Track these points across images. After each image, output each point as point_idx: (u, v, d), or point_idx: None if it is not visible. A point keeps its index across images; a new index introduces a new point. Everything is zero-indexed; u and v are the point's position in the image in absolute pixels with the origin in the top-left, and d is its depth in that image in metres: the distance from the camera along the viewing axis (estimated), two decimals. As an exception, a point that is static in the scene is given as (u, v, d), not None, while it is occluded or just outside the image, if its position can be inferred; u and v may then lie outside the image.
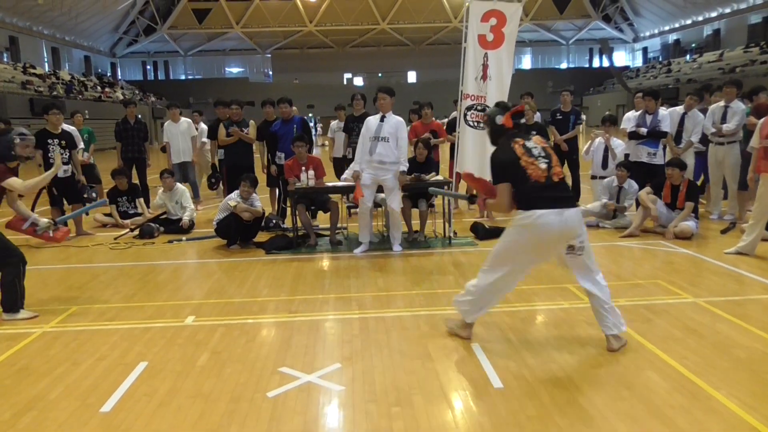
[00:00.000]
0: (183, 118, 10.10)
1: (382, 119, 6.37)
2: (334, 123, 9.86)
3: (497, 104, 3.88)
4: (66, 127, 8.06)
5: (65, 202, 7.92)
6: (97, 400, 3.24)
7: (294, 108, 8.39)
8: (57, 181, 7.49)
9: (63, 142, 7.64)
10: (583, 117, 10.06)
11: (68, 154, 7.68)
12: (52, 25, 41.25)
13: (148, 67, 55.53)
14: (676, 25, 47.99)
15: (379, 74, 51.80)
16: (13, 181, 4.71)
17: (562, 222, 3.48)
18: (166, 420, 3.02)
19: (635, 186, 7.37)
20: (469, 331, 3.98)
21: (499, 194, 3.63)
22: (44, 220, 5.12)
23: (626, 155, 7.93)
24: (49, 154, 7.44)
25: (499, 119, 3.73)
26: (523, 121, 3.86)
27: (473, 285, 3.86)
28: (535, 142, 3.67)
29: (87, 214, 5.11)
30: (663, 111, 7.90)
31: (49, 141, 7.53)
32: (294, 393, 3.29)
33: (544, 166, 3.56)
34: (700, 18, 44.37)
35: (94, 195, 9.21)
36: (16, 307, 4.62)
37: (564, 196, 3.59)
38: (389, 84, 6.71)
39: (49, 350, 3.98)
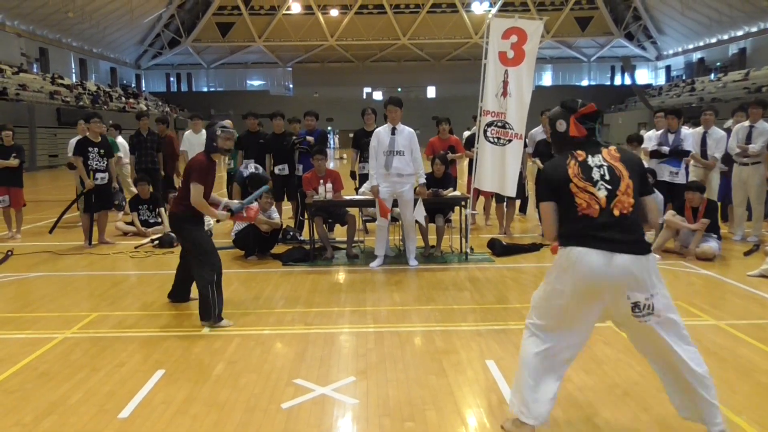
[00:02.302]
0: (204, 130, 10.27)
1: (393, 132, 6.41)
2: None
3: (563, 104, 2.97)
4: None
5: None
6: (115, 406, 3.29)
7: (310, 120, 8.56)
8: (93, 189, 7.72)
9: (101, 151, 7.87)
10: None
11: (106, 162, 7.90)
12: (81, 38, 42.25)
13: (172, 78, 56.48)
14: (701, 44, 47.49)
15: (399, 89, 52.07)
16: (196, 189, 4.64)
17: (606, 267, 2.66)
18: (182, 428, 3.05)
19: (660, 196, 7.27)
20: None
21: (542, 215, 2.92)
22: (235, 202, 5.19)
23: (652, 170, 7.85)
24: (88, 162, 7.65)
25: (561, 125, 2.91)
26: (597, 126, 2.90)
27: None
28: (604, 158, 2.80)
29: (259, 199, 5.40)
30: (685, 130, 7.84)
31: (90, 149, 7.77)
32: (308, 405, 3.31)
33: (603, 194, 2.72)
34: (726, 36, 43.88)
35: (122, 202, 9.47)
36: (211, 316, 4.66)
37: (621, 238, 2.68)
38: (408, 99, 6.74)
39: (70, 356, 4.05)
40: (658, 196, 7.24)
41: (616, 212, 2.71)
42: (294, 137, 8.20)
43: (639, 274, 2.67)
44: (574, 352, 2.92)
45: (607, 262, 2.67)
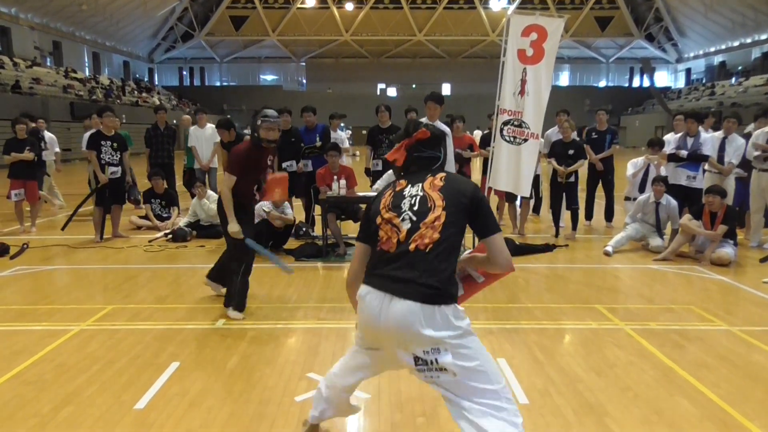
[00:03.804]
0: (209, 124, 10.32)
1: None
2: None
3: (405, 128, 2.54)
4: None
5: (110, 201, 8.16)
6: (131, 397, 3.33)
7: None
8: (108, 183, 7.77)
9: (115, 144, 7.89)
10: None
11: (119, 156, 7.94)
12: (94, 31, 42.57)
13: (185, 72, 56.78)
14: (723, 47, 46.85)
15: (413, 86, 51.99)
16: (228, 179, 4.60)
17: (381, 312, 2.22)
18: (197, 419, 3.09)
19: (673, 202, 7.23)
20: None
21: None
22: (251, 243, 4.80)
23: (664, 177, 7.81)
24: (101, 155, 7.70)
25: (390, 153, 2.50)
26: (434, 155, 2.48)
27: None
28: (423, 187, 2.34)
29: (272, 260, 5.04)
30: (705, 134, 7.78)
31: (102, 143, 7.79)
32: (321, 400, 3.33)
33: (406, 226, 2.27)
34: (749, 40, 43.22)
35: (138, 196, 9.51)
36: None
37: (407, 277, 2.20)
38: (422, 96, 6.70)
39: (87, 348, 4.11)
40: (671, 202, 7.20)
41: (412, 246, 2.23)
42: (303, 146, 8.16)
43: (418, 325, 2.16)
44: (358, 378, 2.65)
45: (382, 307, 2.22)
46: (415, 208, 2.29)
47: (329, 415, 2.81)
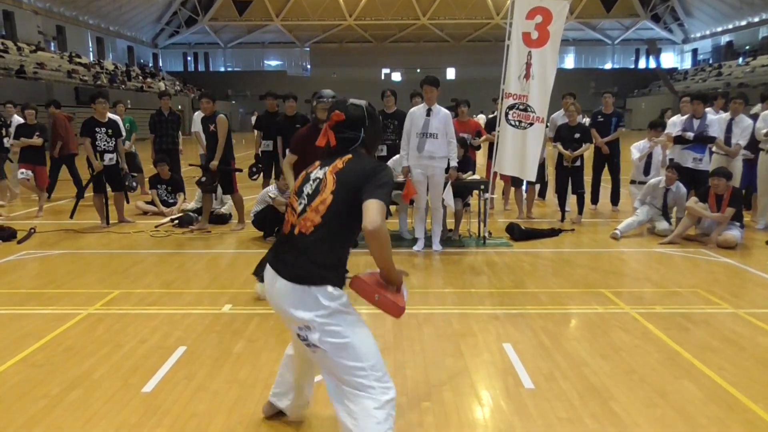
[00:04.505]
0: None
1: (428, 113, 6.31)
2: None
3: (331, 106, 2.54)
4: (111, 116, 8.30)
5: (109, 189, 8.16)
6: (138, 380, 3.37)
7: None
8: (104, 169, 7.74)
9: (109, 131, 7.81)
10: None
11: (114, 142, 7.88)
12: (98, 15, 42.40)
13: (189, 58, 56.61)
14: (730, 26, 46.23)
15: (418, 70, 51.66)
16: (289, 156, 5.11)
17: (270, 287, 2.40)
18: (203, 403, 3.12)
19: (683, 189, 7.19)
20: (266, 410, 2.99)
21: None
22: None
23: (670, 160, 7.76)
24: (96, 143, 7.67)
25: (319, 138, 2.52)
26: (352, 136, 2.45)
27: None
28: (329, 171, 2.36)
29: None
30: (711, 116, 7.71)
31: (97, 129, 7.73)
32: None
33: (299, 209, 2.36)
34: (756, 19, 42.60)
35: (135, 184, 9.45)
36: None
37: (287, 260, 2.33)
38: (427, 80, 6.62)
39: (94, 331, 4.14)
40: (681, 189, 7.15)
41: (297, 230, 2.33)
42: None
43: (290, 305, 2.30)
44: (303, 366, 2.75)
45: (271, 283, 2.38)
46: (311, 191, 2.36)
47: (284, 403, 2.88)
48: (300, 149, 5.18)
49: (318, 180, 2.36)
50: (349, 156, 2.39)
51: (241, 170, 7.83)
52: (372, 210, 2.19)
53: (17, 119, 10.11)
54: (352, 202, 2.26)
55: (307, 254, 2.29)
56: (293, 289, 2.29)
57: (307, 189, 2.38)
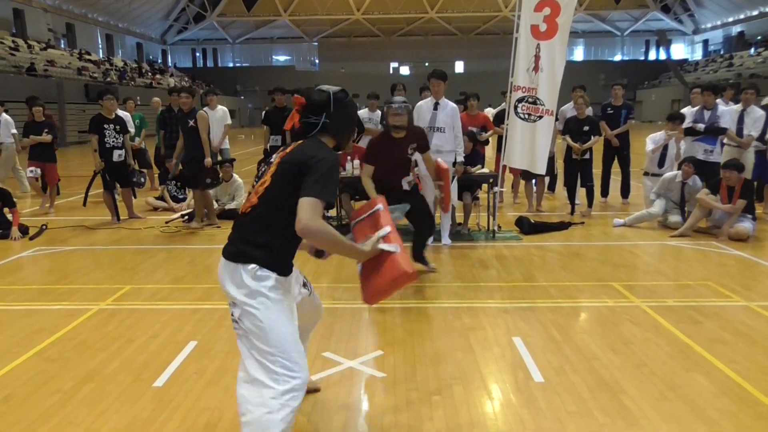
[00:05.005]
0: (219, 106, 10.28)
1: (435, 107, 6.30)
2: (362, 112, 8.54)
3: (298, 90, 2.58)
4: (119, 112, 8.34)
5: (117, 185, 8.21)
6: (150, 375, 3.39)
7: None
8: (111, 166, 7.80)
9: (117, 127, 7.87)
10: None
11: (122, 138, 7.93)
12: (107, 12, 42.59)
13: (198, 54, 56.77)
14: (741, 17, 45.55)
15: (426, 63, 51.49)
16: (366, 168, 5.11)
17: (219, 267, 2.45)
18: (214, 397, 3.14)
19: (699, 183, 7.12)
20: None
21: None
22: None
23: (694, 158, 7.65)
24: (105, 139, 7.72)
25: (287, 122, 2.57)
26: (314, 121, 2.44)
27: None
28: (279, 155, 2.44)
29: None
30: (722, 107, 7.63)
31: (105, 126, 7.78)
32: (336, 377, 3.37)
33: (252, 190, 2.45)
34: (768, 8, 42.06)
35: (142, 180, 9.49)
36: None
37: (230, 237, 2.43)
38: (435, 74, 6.58)
39: (106, 326, 4.17)
40: (697, 183, 7.08)
41: (240, 211, 2.46)
42: None
43: (224, 280, 2.38)
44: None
45: (219, 263, 2.45)
46: (261, 176, 2.43)
47: None
48: (374, 159, 5.15)
49: (270, 164, 2.43)
50: (301, 141, 2.44)
51: (234, 159, 7.89)
52: (302, 209, 2.22)
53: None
54: (285, 188, 2.30)
55: (240, 232, 2.39)
56: (226, 266, 2.38)
57: (260, 173, 2.45)
